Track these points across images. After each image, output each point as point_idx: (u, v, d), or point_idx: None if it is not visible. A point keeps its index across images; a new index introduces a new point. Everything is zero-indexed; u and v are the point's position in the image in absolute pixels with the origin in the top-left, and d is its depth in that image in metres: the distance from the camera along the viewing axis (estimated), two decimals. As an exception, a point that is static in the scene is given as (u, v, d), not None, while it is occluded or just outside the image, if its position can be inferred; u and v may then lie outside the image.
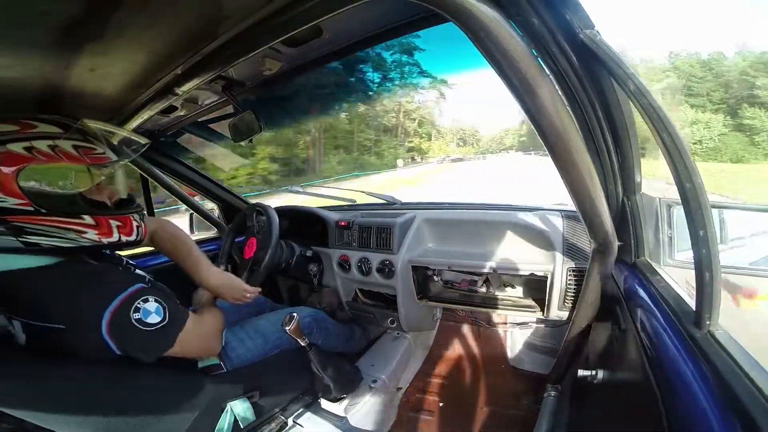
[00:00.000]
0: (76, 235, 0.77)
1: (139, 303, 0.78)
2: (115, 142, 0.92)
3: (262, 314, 1.35)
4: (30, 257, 0.75)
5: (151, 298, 0.81)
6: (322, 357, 1.21)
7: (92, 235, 0.79)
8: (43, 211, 0.72)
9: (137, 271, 1.01)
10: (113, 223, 0.83)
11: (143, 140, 0.95)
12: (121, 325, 0.76)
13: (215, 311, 1.09)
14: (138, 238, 0.90)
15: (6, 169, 0.68)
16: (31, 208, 0.70)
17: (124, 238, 0.86)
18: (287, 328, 1.08)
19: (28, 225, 0.71)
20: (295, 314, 1.11)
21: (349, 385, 1.36)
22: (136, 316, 0.77)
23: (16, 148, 0.69)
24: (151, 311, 0.80)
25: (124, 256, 1.09)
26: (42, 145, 0.72)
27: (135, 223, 0.89)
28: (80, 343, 0.76)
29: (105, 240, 0.81)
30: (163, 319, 0.82)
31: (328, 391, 1.29)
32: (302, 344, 1.14)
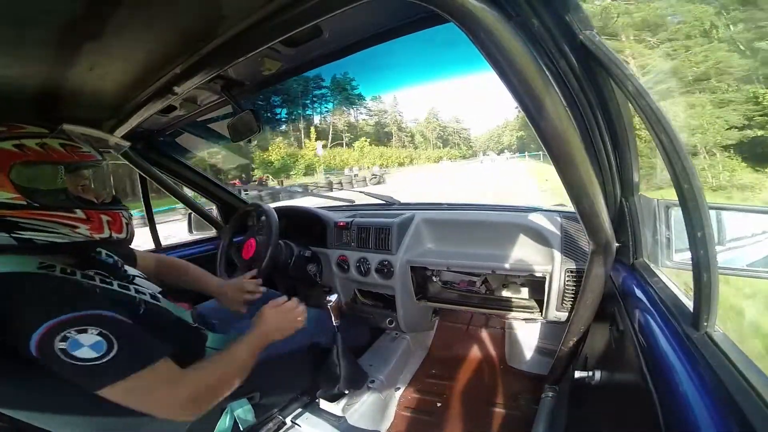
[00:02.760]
0: (69, 230, 0.76)
1: (70, 332, 0.65)
2: (97, 144, 0.90)
3: None
4: (9, 258, 0.72)
5: (94, 330, 0.67)
6: (344, 345, 1.26)
7: (84, 230, 0.78)
8: (36, 205, 0.72)
9: (129, 292, 0.88)
10: (104, 218, 0.82)
11: (124, 143, 0.94)
12: (48, 354, 0.65)
13: (238, 361, 0.89)
14: (128, 236, 0.89)
15: None
16: (24, 202, 0.71)
17: (114, 235, 0.84)
18: (330, 304, 1.20)
19: (21, 219, 0.70)
20: (336, 294, 1.24)
21: (356, 381, 1.36)
22: (62, 345, 0.64)
23: (7, 145, 0.71)
24: (84, 344, 0.66)
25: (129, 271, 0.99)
26: (31, 143, 0.73)
27: (124, 220, 0.88)
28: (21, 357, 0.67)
29: (97, 236, 0.80)
30: (100, 357, 0.66)
31: (334, 383, 1.28)
32: (334, 323, 1.22)
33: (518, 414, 1.45)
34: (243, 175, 31.00)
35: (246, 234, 1.56)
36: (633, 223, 0.87)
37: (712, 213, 0.74)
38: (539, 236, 1.29)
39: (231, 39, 0.78)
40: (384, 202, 1.85)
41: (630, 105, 0.70)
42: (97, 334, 0.67)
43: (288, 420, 1.24)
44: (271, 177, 32.71)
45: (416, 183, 25.30)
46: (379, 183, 26.70)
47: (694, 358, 0.52)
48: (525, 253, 1.33)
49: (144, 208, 1.90)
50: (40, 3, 0.60)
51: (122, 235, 0.86)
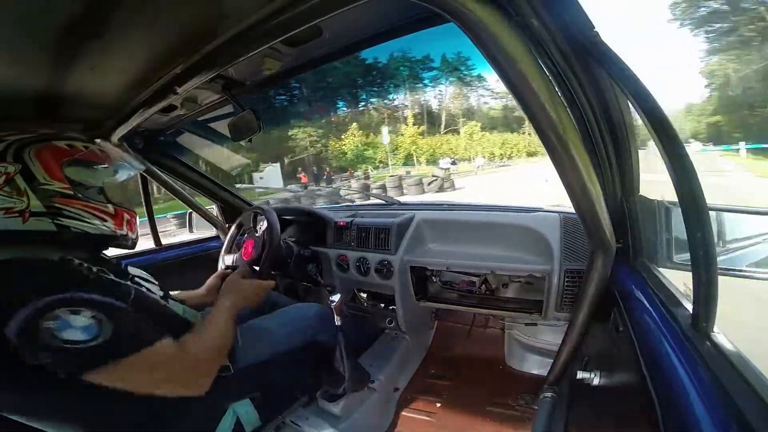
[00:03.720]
0: (99, 222, 0.85)
1: (63, 311, 0.65)
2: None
3: (270, 313, 1.34)
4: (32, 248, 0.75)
5: (87, 313, 0.67)
6: (348, 345, 1.26)
7: (110, 224, 0.87)
8: (80, 195, 0.82)
9: (124, 281, 0.87)
10: (125, 215, 0.92)
11: (140, 166, 1.05)
12: (30, 334, 0.63)
13: (219, 330, 0.91)
14: (136, 237, 0.97)
15: (53, 160, 0.80)
16: (71, 192, 0.81)
17: (129, 234, 0.92)
18: (333, 305, 1.18)
19: (66, 207, 0.80)
20: (339, 294, 1.22)
21: (360, 381, 1.36)
22: (48, 324, 0.63)
23: (61, 144, 0.82)
24: (76, 326, 0.65)
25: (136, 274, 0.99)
26: (78, 144, 0.86)
27: (136, 221, 0.96)
28: None
29: (118, 231, 0.89)
30: (89, 340, 0.66)
31: (338, 383, 1.27)
32: (336, 323, 1.21)
33: (518, 414, 1.45)
34: (314, 168, 26.63)
35: (247, 234, 1.56)
36: (633, 223, 0.87)
37: (712, 214, 0.74)
38: (539, 236, 1.29)
39: (231, 39, 0.78)
40: (384, 201, 1.85)
41: (630, 105, 0.70)
42: (90, 317, 0.67)
43: (288, 420, 1.24)
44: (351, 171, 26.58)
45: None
46: (441, 190, 15.63)
47: (693, 359, 0.52)
48: (525, 253, 1.33)
49: (144, 208, 1.90)
50: (41, 3, 0.60)
51: (133, 235, 0.95)
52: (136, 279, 0.95)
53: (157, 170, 1.72)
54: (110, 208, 0.88)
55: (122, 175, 0.98)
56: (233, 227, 1.62)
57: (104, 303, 0.71)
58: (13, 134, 0.78)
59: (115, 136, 1.34)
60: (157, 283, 1.02)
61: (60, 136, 0.84)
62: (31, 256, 0.74)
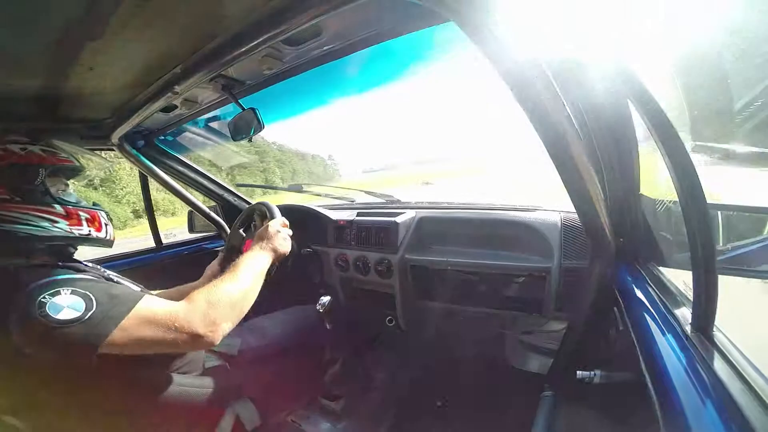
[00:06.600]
0: (48, 224, 0.81)
1: (45, 297, 0.66)
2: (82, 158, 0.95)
3: (266, 313, 1.35)
4: None
5: (66, 291, 0.69)
6: (347, 345, 1.30)
7: (63, 225, 0.83)
8: (18, 199, 0.78)
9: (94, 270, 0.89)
10: (82, 215, 0.87)
11: (107, 162, 0.99)
12: (33, 329, 0.65)
13: (240, 277, 0.88)
14: (108, 237, 0.92)
15: None
16: (8, 197, 0.77)
17: (94, 233, 0.88)
18: (321, 309, 1.22)
19: (4, 212, 0.77)
20: (329, 296, 1.25)
21: (357, 380, 1.36)
22: (42, 312, 0.65)
23: None
24: (63, 305, 0.67)
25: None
26: (15, 147, 0.81)
27: (103, 221, 0.91)
28: None
29: (77, 231, 0.85)
30: (83, 315, 0.67)
31: (336, 383, 1.29)
32: (327, 326, 1.23)
33: (518, 414, 1.45)
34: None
35: (248, 233, 1.55)
36: (634, 222, 0.87)
37: (713, 213, 0.74)
38: (539, 235, 1.28)
39: (231, 38, 0.78)
40: (384, 200, 1.85)
41: (631, 104, 0.70)
42: (71, 294, 0.69)
43: (288, 419, 1.25)
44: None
45: None
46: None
47: (693, 358, 0.52)
48: (525, 252, 1.33)
49: (145, 207, 1.90)
50: (41, 3, 0.60)
51: (101, 234, 0.90)
52: (111, 276, 0.93)
53: (158, 169, 1.72)
54: (58, 208, 0.83)
55: (71, 172, 0.92)
56: (237, 221, 1.58)
57: (77, 279, 0.73)
58: None
59: (116, 136, 1.34)
60: (139, 285, 0.98)
61: None
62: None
